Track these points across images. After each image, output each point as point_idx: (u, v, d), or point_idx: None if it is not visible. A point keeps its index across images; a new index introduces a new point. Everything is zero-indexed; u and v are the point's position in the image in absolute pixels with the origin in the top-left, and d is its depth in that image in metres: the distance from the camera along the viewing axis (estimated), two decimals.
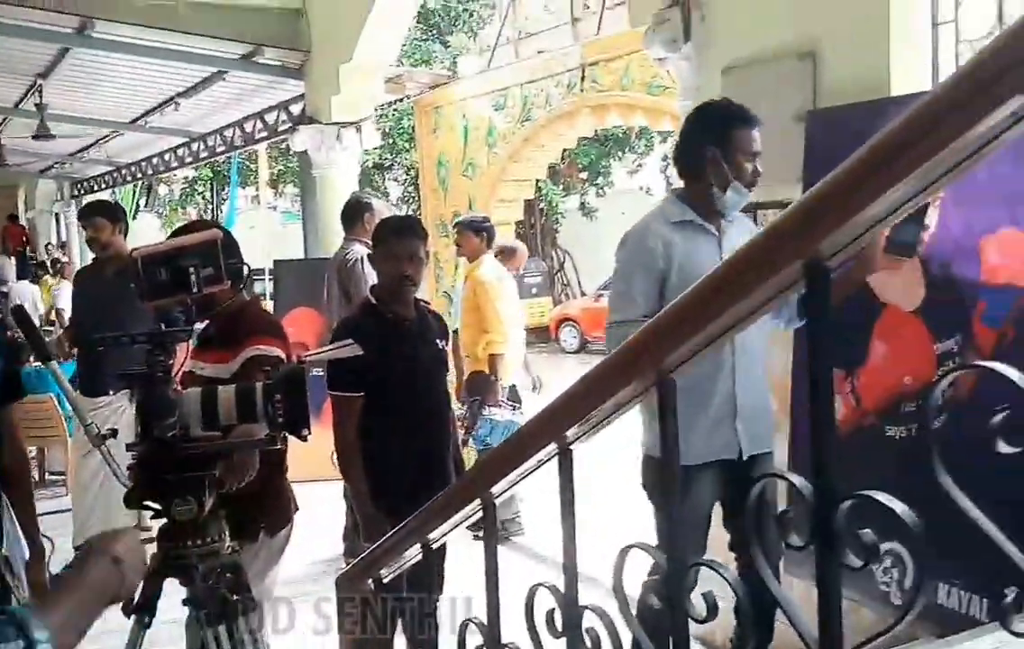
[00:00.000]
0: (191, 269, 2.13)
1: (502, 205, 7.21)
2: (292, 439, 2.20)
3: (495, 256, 6.04)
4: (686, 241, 2.87)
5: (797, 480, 1.13)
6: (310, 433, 2.22)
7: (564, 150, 9.12)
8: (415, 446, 3.27)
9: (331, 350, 2.46)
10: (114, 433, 2.07)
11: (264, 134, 9.08)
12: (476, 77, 7.20)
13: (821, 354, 1.09)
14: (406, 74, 7.57)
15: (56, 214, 20.58)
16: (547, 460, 1.65)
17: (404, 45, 18.68)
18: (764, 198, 3.42)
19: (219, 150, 10.56)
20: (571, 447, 1.57)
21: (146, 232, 22.38)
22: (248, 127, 9.44)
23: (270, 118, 8.85)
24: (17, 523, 2.59)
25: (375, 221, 5.38)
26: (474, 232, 5.79)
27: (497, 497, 1.82)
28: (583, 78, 6.05)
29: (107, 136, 12.14)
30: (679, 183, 3.05)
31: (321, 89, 7.21)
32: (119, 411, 4.53)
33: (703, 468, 2.88)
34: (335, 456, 3.41)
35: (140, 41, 7.06)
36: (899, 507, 1.03)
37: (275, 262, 7.52)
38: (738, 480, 2.92)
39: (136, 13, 6.72)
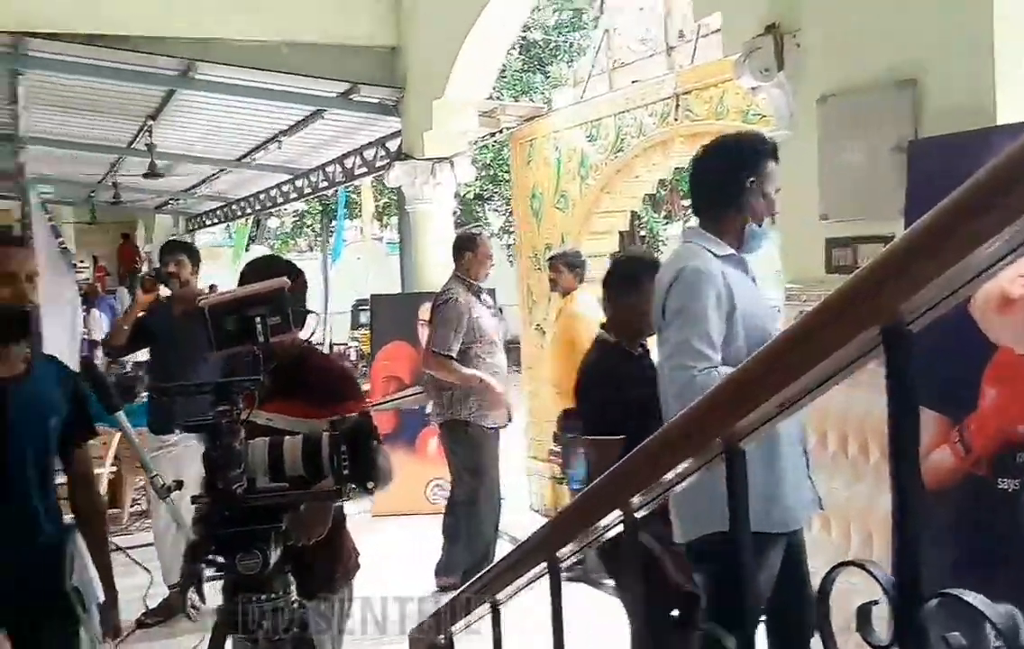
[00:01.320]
0: (258, 318, 2.11)
1: (595, 237, 7.09)
2: None
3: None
4: (736, 278, 2.64)
5: (879, 574, 1.00)
6: (376, 486, 2.17)
7: (660, 180, 8.95)
8: None
9: (400, 397, 2.37)
10: (179, 485, 2.05)
11: (363, 170, 9.22)
12: (569, 109, 7.12)
13: (904, 433, 0.96)
14: (500, 107, 7.55)
15: None
16: (611, 527, 1.56)
17: (504, 76, 18.88)
18: (864, 233, 3.24)
19: (321, 186, 10.77)
20: (636, 516, 1.47)
21: None
22: (348, 163, 9.59)
23: (369, 154, 8.97)
24: (92, 564, 2.61)
25: (477, 258, 5.31)
26: (568, 267, 5.72)
27: (563, 561, 1.72)
28: (677, 107, 5.91)
29: (216, 174, 12.52)
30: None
31: (415, 125, 7.26)
32: (190, 450, 4.57)
33: (779, 537, 2.60)
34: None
35: (241, 81, 7.24)
36: (995, 613, 0.89)
37: (372, 296, 7.59)
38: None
39: (238, 55, 6.91)
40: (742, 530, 1.21)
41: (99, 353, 13.69)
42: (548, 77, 19.43)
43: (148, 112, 8.56)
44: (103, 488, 6.14)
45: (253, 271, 2.50)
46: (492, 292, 5.61)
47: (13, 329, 2.57)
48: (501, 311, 5.75)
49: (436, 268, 7.33)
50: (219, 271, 21.30)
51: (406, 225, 7.58)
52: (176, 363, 4.45)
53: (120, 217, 20.14)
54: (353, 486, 2.14)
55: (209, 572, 2.05)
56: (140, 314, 4.99)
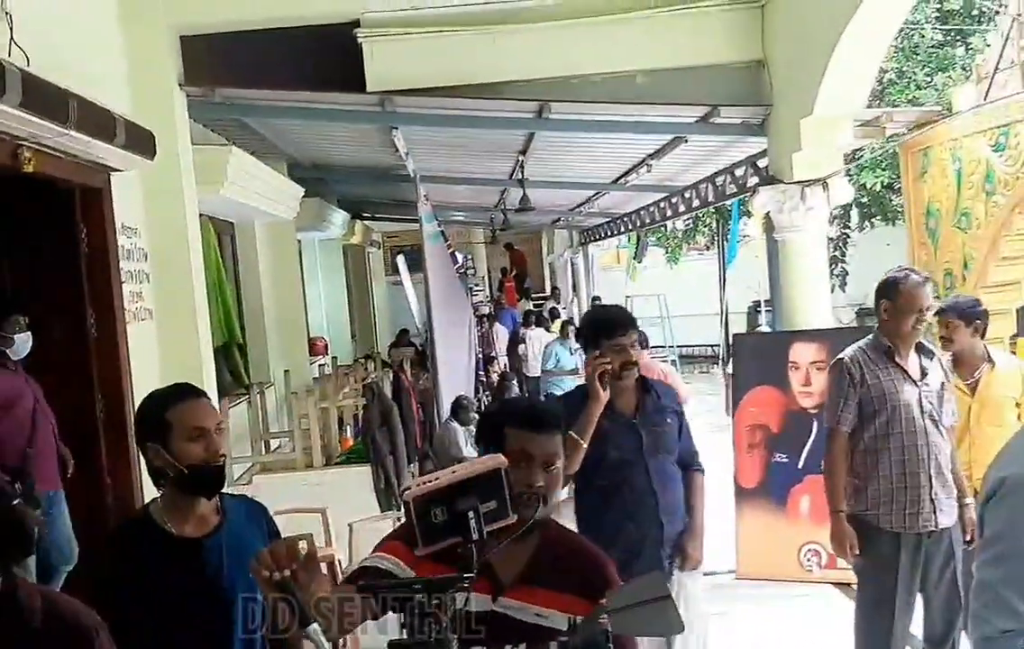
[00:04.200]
0: (471, 511, 1.75)
1: (1005, 263, 5.92)
2: None
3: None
4: None
5: None
6: None
7: None
8: None
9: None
10: None
11: (733, 189, 8.61)
12: (968, 113, 6.00)
13: None
14: (885, 115, 6.58)
15: (570, 259, 22.17)
16: None
17: (918, 53, 17.01)
18: None
19: (694, 205, 10.32)
20: None
21: (653, 271, 23.13)
22: (719, 181, 9.04)
23: (739, 172, 8.36)
24: None
25: (896, 307, 3.86)
26: (964, 320, 4.59)
27: None
28: None
29: (597, 193, 12.57)
30: None
31: (782, 146, 6.55)
32: None
33: None
34: None
35: (595, 117, 7.03)
36: None
37: (735, 337, 7.02)
38: None
39: (593, 91, 6.67)
40: None
41: (496, 367, 14.43)
42: (969, 49, 17.19)
43: (517, 149, 8.70)
44: None
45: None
46: (926, 351, 4.01)
47: (212, 486, 2.43)
48: (934, 380, 3.96)
49: (808, 305, 6.59)
50: (619, 276, 21.73)
51: (774, 256, 6.88)
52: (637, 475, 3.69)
53: (523, 232, 21.30)
54: None
55: None
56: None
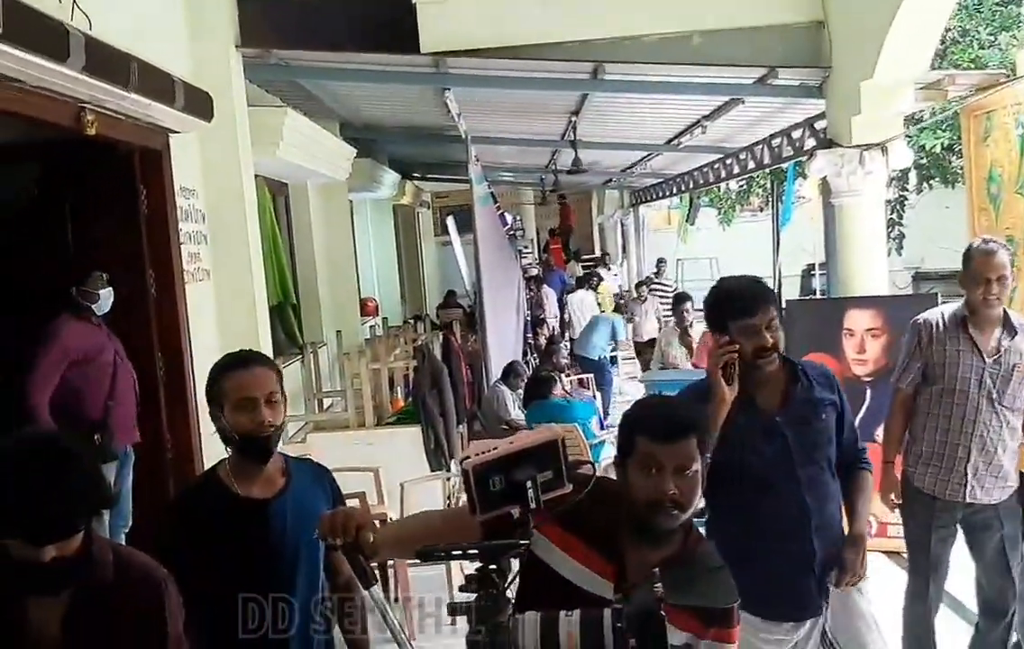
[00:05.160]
0: (528, 481, 1.79)
1: None
2: None
3: None
4: None
5: None
6: None
7: None
8: None
9: None
10: None
11: (790, 152, 8.48)
12: None
13: None
14: (948, 78, 6.41)
15: (621, 220, 22.01)
16: None
17: (981, 11, 16.53)
18: None
19: (750, 167, 10.18)
20: None
21: (705, 233, 22.85)
22: (775, 144, 8.91)
23: (796, 134, 8.23)
24: None
25: (968, 275, 3.84)
26: None
27: None
28: None
29: (649, 154, 12.46)
30: None
31: (841, 109, 6.40)
32: None
33: None
34: None
35: (651, 78, 6.94)
36: None
37: (788, 302, 6.92)
38: None
39: (648, 51, 6.60)
40: None
41: (545, 330, 14.43)
42: None
43: (570, 110, 8.65)
44: None
45: None
46: (1010, 327, 3.89)
47: (258, 456, 2.48)
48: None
49: (864, 270, 6.49)
50: (670, 238, 21.53)
51: (831, 220, 6.77)
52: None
53: (574, 192, 21.18)
54: None
55: None
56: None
